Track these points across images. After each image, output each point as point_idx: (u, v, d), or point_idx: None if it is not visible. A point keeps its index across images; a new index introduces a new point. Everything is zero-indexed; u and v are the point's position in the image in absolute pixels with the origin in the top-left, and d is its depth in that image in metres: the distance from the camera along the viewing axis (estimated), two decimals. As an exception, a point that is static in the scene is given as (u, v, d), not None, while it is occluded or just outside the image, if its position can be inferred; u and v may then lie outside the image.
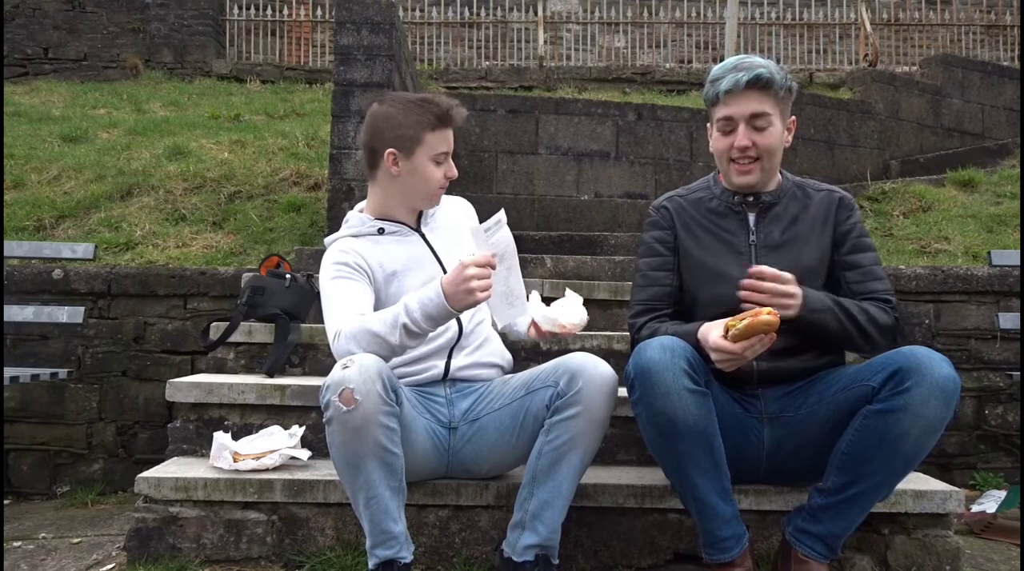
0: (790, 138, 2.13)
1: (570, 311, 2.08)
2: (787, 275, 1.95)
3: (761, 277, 1.93)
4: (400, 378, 2.03)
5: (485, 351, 2.21)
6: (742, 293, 1.94)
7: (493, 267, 1.87)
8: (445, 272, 2.09)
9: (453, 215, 2.29)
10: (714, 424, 1.88)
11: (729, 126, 2.07)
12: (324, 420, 1.86)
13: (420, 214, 2.24)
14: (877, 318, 2.01)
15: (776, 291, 1.93)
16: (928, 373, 1.81)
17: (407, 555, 1.91)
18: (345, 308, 2.01)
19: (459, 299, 1.85)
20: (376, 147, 2.12)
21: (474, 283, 1.82)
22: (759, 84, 2.02)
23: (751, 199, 2.14)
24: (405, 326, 1.88)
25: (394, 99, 2.16)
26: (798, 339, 2.04)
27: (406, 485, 1.94)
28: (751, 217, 2.13)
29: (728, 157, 2.09)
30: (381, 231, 2.16)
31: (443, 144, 2.11)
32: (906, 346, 1.93)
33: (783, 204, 2.14)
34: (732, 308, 1.96)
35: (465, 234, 2.14)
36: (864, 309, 2.01)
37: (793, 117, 2.15)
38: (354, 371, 1.80)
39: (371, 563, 1.92)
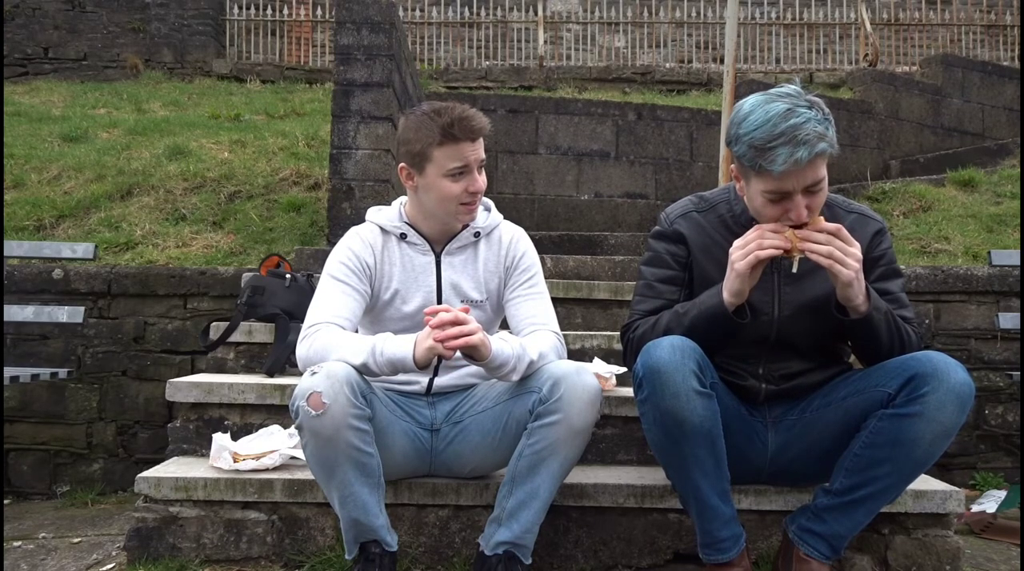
0: None
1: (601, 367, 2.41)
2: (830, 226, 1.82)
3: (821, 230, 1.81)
4: (380, 383, 2.05)
5: (471, 368, 2.13)
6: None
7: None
8: (440, 299, 2.11)
9: (496, 248, 2.17)
10: (719, 426, 1.87)
11: (779, 197, 1.83)
12: (295, 426, 1.88)
13: (462, 227, 2.14)
14: (914, 344, 1.96)
15: (833, 243, 1.79)
16: (945, 379, 1.81)
17: (391, 542, 1.93)
18: (330, 309, 2.02)
19: (424, 356, 1.87)
20: (395, 160, 2.10)
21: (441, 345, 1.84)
22: (820, 156, 1.78)
23: None
24: (367, 367, 1.91)
25: (413, 111, 2.05)
26: (806, 362, 2.04)
27: (384, 482, 1.94)
28: None
29: (776, 222, 1.86)
30: (403, 236, 2.14)
31: (454, 159, 1.97)
32: (921, 351, 1.91)
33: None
34: (754, 338, 1.95)
35: (488, 272, 2.14)
36: (907, 331, 1.95)
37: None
38: (321, 377, 1.82)
39: (349, 554, 1.94)
